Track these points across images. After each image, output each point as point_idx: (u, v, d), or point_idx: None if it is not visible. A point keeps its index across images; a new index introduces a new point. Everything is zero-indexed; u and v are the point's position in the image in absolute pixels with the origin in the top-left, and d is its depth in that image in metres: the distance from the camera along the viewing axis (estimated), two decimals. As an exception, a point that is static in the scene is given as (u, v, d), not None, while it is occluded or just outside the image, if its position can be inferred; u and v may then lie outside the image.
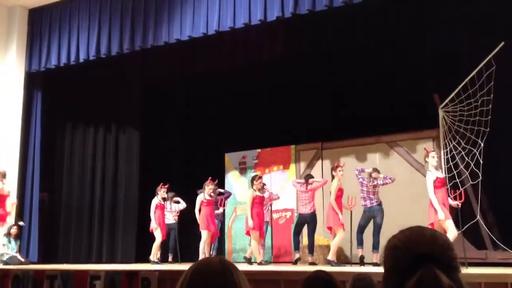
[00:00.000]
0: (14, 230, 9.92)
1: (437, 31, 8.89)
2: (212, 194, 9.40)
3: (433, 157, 7.45)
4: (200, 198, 9.31)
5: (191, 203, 9.61)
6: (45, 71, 10.70)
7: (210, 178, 9.42)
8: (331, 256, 8.06)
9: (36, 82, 10.98)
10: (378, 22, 9.16)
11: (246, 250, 10.26)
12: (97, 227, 11.00)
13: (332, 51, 10.12)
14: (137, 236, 10.85)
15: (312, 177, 9.18)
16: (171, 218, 10.11)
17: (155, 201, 9.73)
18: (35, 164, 10.65)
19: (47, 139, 11.06)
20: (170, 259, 9.86)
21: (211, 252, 9.28)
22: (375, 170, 8.36)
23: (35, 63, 10.67)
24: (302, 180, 9.18)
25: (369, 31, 9.36)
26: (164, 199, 9.87)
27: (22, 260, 9.73)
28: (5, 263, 9.41)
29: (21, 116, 10.67)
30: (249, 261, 8.77)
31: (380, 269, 5.45)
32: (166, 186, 9.80)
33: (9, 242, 9.84)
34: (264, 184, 9.52)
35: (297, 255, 8.92)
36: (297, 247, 9.00)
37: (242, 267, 5.72)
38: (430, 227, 1.79)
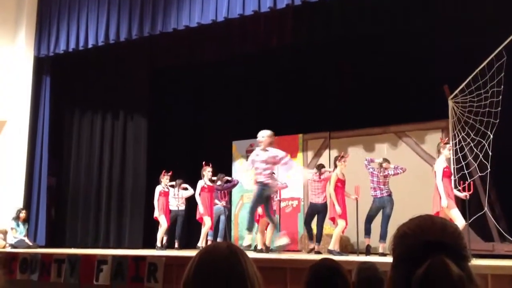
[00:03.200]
0: (22, 214, 10.00)
1: (448, 21, 8.80)
2: (214, 179, 9.48)
3: (449, 149, 7.53)
4: (200, 183, 9.39)
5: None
6: (54, 56, 10.71)
7: (204, 162, 9.46)
8: (332, 246, 8.12)
9: (45, 67, 11.00)
10: (388, 11, 9.08)
11: (252, 238, 10.29)
12: (105, 213, 11.06)
13: (341, 40, 10.05)
14: (144, 222, 10.91)
15: (323, 166, 9.16)
16: (176, 204, 10.15)
17: (158, 189, 9.83)
18: (43, 149, 10.71)
19: (56, 124, 11.11)
20: (176, 245, 9.91)
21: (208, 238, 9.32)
22: (386, 160, 8.34)
23: (44, 48, 10.69)
24: (314, 170, 9.18)
25: (379, 20, 9.28)
26: (168, 186, 9.95)
27: (30, 243, 9.81)
28: (13, 246, 9.50)
29: (30, 100, 10.71)
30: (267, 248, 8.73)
31: (385, 259, 5.43)
32: (169, 174, 9.89)
33: (18, 225, 9.92)
34: (273, 173, 9.53)
35: (311, 245, 8.92)
36: (311, 237, 8.98)
37: (248, 254, 5.69)
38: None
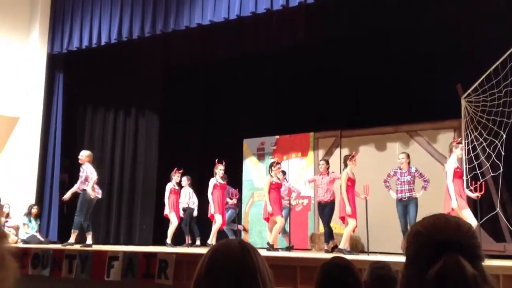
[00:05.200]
0: (34, 210, 10.08)
1: (461, 19, 8.74)
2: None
3: (462, 149, 7.54)
4: (212, 181, 9.40)
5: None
6: (67, 53, 10.78)
7: (216, 160, 9.48)
8: (342, 245, 8.08)
9: (58, 64, 11.07)
10: (400, 9, 9.04)
11: (262, 236, 10.31)
12: (115, 209, 11.10)
13: (354, 38, 10.02)
14: (155, 218, 10.95)
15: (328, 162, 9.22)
16: (186, 202, 10.17)
17: (169, 186, 9.88)
18: (56, 145, 10.77)
19: (68, 121, 11.16)
20: (187, 241, 9.96)
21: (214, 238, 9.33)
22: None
23: (57, 45, 10.76)
24: (322, 162, 9.20)
25: (391, 18, 9.24)
26: (179, 184, 9.99)
27: (42, 239, 9.89)
28: (25, 242, 9.57)
29: (43, 97, 10.78)
30: (272, 247, 8.71)
31: (397, 258, 5.39)
32: (180, 171, 9.92)
33: (30, 221, 10.00)
34: (284, 173, 9.56)
35: (331, 244, 8.79)
36: (332, 236, 8.89)
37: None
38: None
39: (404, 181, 8.16)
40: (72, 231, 9.00)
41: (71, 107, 11.29)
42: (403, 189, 8.12)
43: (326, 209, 8.88)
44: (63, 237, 9.69)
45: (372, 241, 8.10)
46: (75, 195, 9.30)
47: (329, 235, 8.85)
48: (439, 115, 9.02)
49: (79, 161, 9.25)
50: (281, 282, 5.98)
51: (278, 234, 9.03)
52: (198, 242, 10.06)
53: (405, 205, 8.08)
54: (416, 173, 8.22)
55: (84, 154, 9.25)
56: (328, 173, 9.00)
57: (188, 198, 10.24)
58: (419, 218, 1.34)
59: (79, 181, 9.17)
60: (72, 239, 8.88)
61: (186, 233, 10.13)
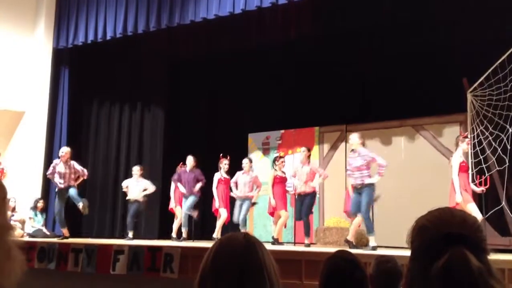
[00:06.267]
0: (40, 204, 10.12)
1: (467, 13, 8.69)
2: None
3: (468, 143, 7.49)
4: (217, 176, 9.41)
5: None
6: (72, 47, 10.80)
7: (221, 154, 9.46)
8: (350, 236, 7.97)
9: (64, 59, 11.10)
10: (406, 3, 8.99)
11: (267, 230, 10.32)
12: (121, 204, 11.13)
13: (359, 33, 9.98)
14: (160, 213, 10.97)
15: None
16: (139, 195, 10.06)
17: (217, 176, 9.65)
18: (62, 140, 10.82)
19: (74, 116, 11.20)
20: (184, 235, 9.80)
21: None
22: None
23: (62, 40, 10.78)
24: (303, 149, 8.96)
25: (397, 12, 9.20)
26: (227, 173, 9.92)
27: (48, 233, 9.93)
28: (31, 236, 9.61)
29: (49, 92, 10.82)
30: (276, 241, 8.72)
31: (400, 252, 5.39)
32: (227, 158, 9.78)
33: (36, 215, 10.04)
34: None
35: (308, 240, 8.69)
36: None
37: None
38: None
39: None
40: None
41: (77, 101, 11.32)
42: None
43: (306, 200, 8.63)
44: (68, 231, 9.70)
45: (378, 235, 8.05)
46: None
47: (308, 227, 8.63)
48: (445, 109, 8.99)
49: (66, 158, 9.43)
50: (286, 276, 5.99)
51: (282, 228, 9.04)
52: (130, 235, 9.76)
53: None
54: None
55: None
56: (309, 162, 8.80)
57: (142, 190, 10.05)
58: (424, 212, 1.34)
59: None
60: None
61: (130, 228, 9.86)
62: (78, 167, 9.54)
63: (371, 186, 7.62)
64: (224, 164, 9.46)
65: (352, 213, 7.96)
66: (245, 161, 9.41)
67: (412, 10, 9.04)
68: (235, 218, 9.19)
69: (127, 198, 10.07)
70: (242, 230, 9.02)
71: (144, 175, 10.18)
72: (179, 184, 9.76)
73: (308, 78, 10.84)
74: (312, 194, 8.70)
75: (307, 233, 8.60)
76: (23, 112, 10.68)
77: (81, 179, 9.69)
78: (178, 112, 11.96)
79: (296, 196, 8.81)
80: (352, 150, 7.94)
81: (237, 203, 9.33)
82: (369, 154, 7.74)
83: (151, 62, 11.49)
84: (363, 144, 7.89)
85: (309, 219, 8.87)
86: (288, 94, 11.06)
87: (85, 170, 9.69)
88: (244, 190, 9.25)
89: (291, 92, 11.02)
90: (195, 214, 9.65)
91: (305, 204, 8.65)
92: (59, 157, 9.51)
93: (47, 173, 9.65)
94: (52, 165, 9.56)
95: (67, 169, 9.38)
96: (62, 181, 9.35)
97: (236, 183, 9.37)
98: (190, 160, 9.79)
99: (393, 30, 9.65)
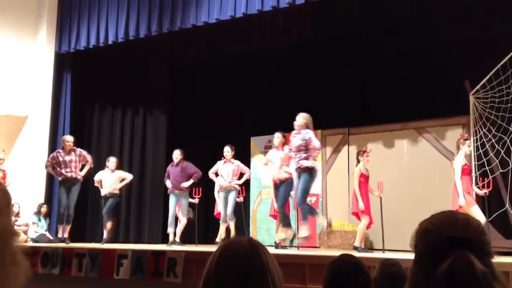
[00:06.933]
0: (43, 209, 10.13)
1: (469, 15, 8.69)
2: None
3: (469, 145, 7.47)
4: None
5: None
6: (74, 52, 10.83)
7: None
8: (357, 242, 7.90)
9: (66, 63, 11.13)
10: (407, 4, 9.00)
11: (270, 233, 10.31)
12: (124, 208, 11.14)
13: (360, 35, 9.99)
14: (164, 217, 10.96)
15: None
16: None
17: None
18: (64, 144, 10.81)
19: (76, 120, 11.21)
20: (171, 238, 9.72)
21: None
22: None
23: (65, 44, 10.81)
24: (278, 135, 8.66)
25: (398, 15, 9.21)
26: None
27: (51, 238, 9.93)
28: (35, 241, 9.62)
29: (51, 96, 10.84)
30: (279, 245, 8.65)
31: (404, 256, 5.38)
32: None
33: (39, 220, 10.05)
34: None
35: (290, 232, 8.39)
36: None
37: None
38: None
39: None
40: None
41: (79, 106, 11.34)
42: None
43: (280, 189, 8.18)
44: (72, 236, 9.71)
45: (387, 238, 7.99)
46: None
47: (286, 218, 8.10)
48: (447, 112, 8.97)
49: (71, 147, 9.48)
50: (290, 280, 5.98)
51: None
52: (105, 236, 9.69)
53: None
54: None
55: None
56: (283, 148, 8.43)
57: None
58: (427, 215, 1.34)
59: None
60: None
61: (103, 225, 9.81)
62: (85, 153, 9.60)
63: (307, 171, 7.59)
64: None
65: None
66: (226, 149, 9.10)
67: (413, 11, 9.06)
68: (222, 213, 8.91)
69: (102, 194, 9.78)
70: (231, 224, 8.97)
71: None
72: (167, 181, 9.52)
73: (310, 81, 10.84)
74: (288, 181, 8.14)
75: (287, 224, 8.04)
76: (25, 117, 10.71)
77: (87, 167, 9.62)
78: (180, 116, 11.97)
79: (273, 185, 8.38)
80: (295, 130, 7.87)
81: (221, 195, 9.04)
82: (307, 134, 7.74)
83: (153, 66, 11.51)
84: (307, 126, 7.85)
85: (286, 208, 8.28)
86: (290, 97, 11.06)
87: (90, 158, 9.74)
88: (229, 180, 9.01)
89: (294, 95, 11.02)
90: (185, 214, 9.47)
91: (280, 193, 8.16)
92: (62, 148, 9.52)
93: (45, 165, 9.63)
94: (51, 156, 9.56)
95: (72, 156, 9.38)
96: (68, 170, 9.38)
97: (216, 174, 9.13)
98: (176, 154, 9.48)
99: (395, 32, 9.65)
